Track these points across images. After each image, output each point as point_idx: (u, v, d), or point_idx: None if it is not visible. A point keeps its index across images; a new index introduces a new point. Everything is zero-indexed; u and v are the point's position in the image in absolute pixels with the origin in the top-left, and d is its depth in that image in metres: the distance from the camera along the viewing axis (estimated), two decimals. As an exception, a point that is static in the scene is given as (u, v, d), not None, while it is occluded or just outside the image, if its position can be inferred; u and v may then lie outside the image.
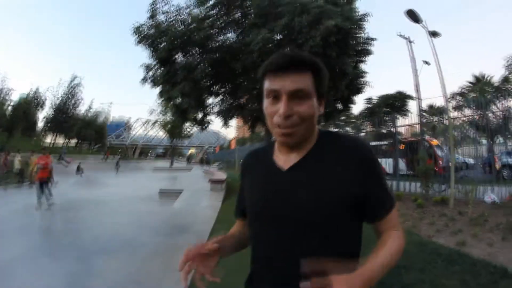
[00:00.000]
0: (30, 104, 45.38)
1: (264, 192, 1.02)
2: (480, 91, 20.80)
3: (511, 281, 3.18)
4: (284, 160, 1.02)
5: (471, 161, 9.86)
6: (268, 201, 0.99)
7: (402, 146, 11.28)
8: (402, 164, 10.61)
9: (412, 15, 8.05)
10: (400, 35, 19.45)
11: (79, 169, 22.10)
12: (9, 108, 40.37)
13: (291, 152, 1.00)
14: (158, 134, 64.30)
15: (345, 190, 0.92)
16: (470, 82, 29.02)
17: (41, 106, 51.82)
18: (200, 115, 13.40)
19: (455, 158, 10.54)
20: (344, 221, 0.93)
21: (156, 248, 5.30)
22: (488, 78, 27.66)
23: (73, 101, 54.54)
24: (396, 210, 1.00)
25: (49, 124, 53.58)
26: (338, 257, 0.85)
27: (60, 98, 53.72)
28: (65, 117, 52.68)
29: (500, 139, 10.88)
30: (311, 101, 0.92)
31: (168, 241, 5.80)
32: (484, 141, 14.07)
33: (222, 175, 13.85)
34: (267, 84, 0.95)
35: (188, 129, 43.67)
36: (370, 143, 12.78)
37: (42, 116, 53.24)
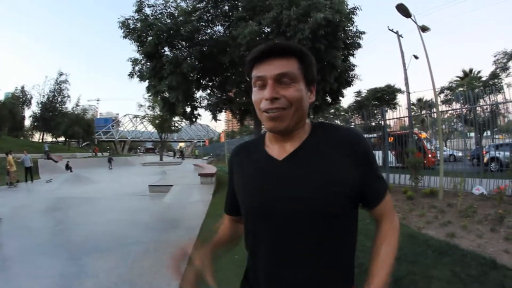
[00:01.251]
0: (16, 103, 44.82)
1: (261, 185, 0.98)
2: (468, 85, 21.07)
3: (500, 272, 3.20)
4: (277, 150, 1.00)
5: (459, 154, 9.97)
6: (267, 193, 0.95)
7: (391, 139, 11.36)
8: (391, 157, 10.68)
9: (402, 9, 8.03)
10: (390, 29, 19.61)
11: (67, 167, 21.87)
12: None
13: (284, 142, 0.99)
14: (147, 128, 64.06)
15: (343, 179, 0.92)
16: (458, 77, 29.44)
17: (27, 105, 51.31)
18: (188, 109, 13.33)
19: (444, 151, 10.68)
20: (344, 210, 0.93)
21: (147, 244, 5.23)
22: (476, 73, 28.09)
23: (59, 99, 54.01)
24: (389, 193, 1.03)
25: (36, 123, 52.99)
26: (340, 247, 0.93)
27: (46, 96, 53.20)
28: (52, 115, 52.14)
29: (487, 133, 11.02)
30: (298, 85, 0.91)
31: (159, 237, 5.72)
32: (472, 134, 14.27)
33: (212, 169, 13.77)
34: (253, 73, 0.95)
35: (177, 123, 43.54)
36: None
37: (28, 114, 52.70)
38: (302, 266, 0.91)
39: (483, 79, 23.76)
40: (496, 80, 21.95)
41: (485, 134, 11.30)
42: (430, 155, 11.17)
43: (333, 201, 0.90)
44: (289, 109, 0.90)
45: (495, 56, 23.33)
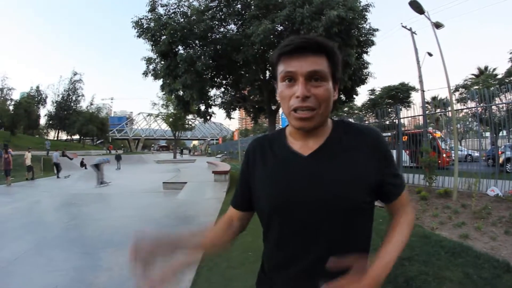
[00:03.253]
0: (31, 102, 45.83)
1: (286, 180, 0.97)
2: (484, 83, 20.68)
3: (514, 276, 3.18)
4: (301, 146, 1.00)
5: (476, 153, 9.83)
6: (293, 188, 0.95)
7: (405, 138, 11.24)
8: (405, 156, 10.57)
9: (416, 6, 7.93)
10: (404, 26, 19.37)
11: (82, 164, 22.22)
12: (11, 107, 40.67)
13: (307, 138, 0.99)
14: (161, 126, 64.56)
15: (367, 175, 0.94)
16: (473, 74, 28.91)
17: (43, 104, 52.39)
18: (202, 107, 13.41)
19: (460, 150, 10.53)
20: (365, 205, 0.95)
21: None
22: (492, 70, 27.54)
23: (74, 98, 55.03)
24: (406, 189, 1.07)
25: (51, 121, 54.02)
26: (361, 240, 0.97)
27: (61, 95, 54.25)
28: (66, 114, 53.13)
29: (503, 132, 10.81)
30: (328, 84, 0.91)
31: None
32: (487, 134, 14.02)
33: (226, 166, 13.84)
34: (282, 67, 0.93)
35: (191, 121, 43.79)
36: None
37: (43, 113, 53.79)
38: (321, 260, 0.89)
39: (499, 76, 23.29)
40: None
41: (501, 134, 11.11)
42: (444, 155, 11.02)
43: (357, 196, 0.92)
44: (318, 109, 0.90)
45: (511, 53, 22.83)
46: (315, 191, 0.92)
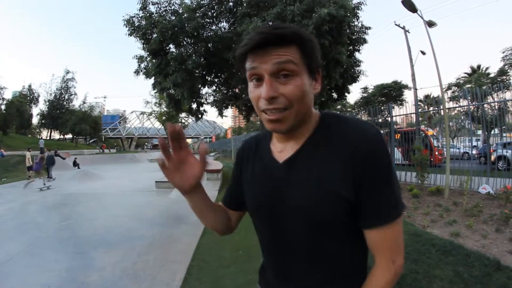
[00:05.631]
0: (23, 101, 45.49)
1: (262, 186, 0.94)
2: (476, 82, 20.85)
3: (504, 274, 3.16)
4: (281, 149, 0.92)
5: (473, 151, 9.87)
6: (266, 195, 0.91)
7: (397, 136, 11.29)
8: (397, 154, 10.63)
9: (409, 4, 7.94)
10: (397, 25, 19.44)
11: (75, 164, 22.04)
12: (3, 106, 40.33)
13: (288, 139, 0.90)
14: (154, 125, 64.40)
15: (342, 189, 0.79)
16: (466, 73, 29.13)
17: (35, 103, 52.03)
18: (194, 106, 13.37)
19: (457, 148, 10.60)
20: (341, 219, 0.82)
21: (152, 239, 5.30)
22: (484, 69, 27.78)
23: (66, 96, 54.72)
24: (398, 226, 0.82)
25: (43, 120, 53.68)
26: (343, 263, 0.87)
27: (53, 94, 53.94)
28: (59, 113, 52.82)
29: (495, 131, 10.90)
30: (300, 78, 0.79)
31: (164, 232, 5.80)
32: (479, 132, 14.13)
33: (218, 165, 13.82)
34: (247, 66, 0.82)
35: (183, 120, 43.69)
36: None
37: (36, 112, 53.43)
38: (298, 271, 0.89)
39: (491, 75, 23.48)
40: (504, 77, 21.68)
41: (492, 132, 11.19)
42: (437, 153, 11.09)
43: (326, 214, 0.81)
44: (291, 109, 0.79)
45: (503, 52, 23.03)
46: (283, 202, 0.87)
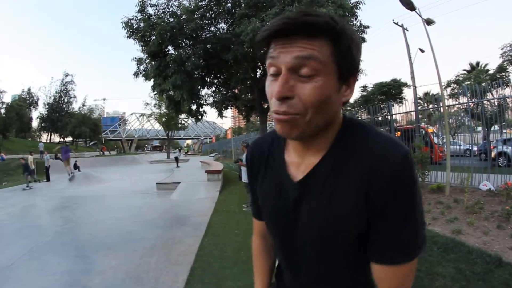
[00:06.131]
0: (23, 104, 45.56)
1: (275, 207, 0.85)
2: (475, 78, 20.83)
3: (505, 270, 3.17)
4: (297, 163, 0.81)
5: (475, 148, 9.83)
6: (277, 217, 0.85)
7: (398, 134, 11.31)
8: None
9: (406, 2, 7.93)
10: (395, 23, 19.43)
11: (75, 166, 22.05)
12: (2, 110, 40.38)
13: (304, 150, 0.79)
14: (154, 126, 64.41)
15: (354, 221, 0.71)
16: (465, 70, 29.09)
17: (34, 106, 52.14)
18: (194, 107, 13.40)
19: (458, 145, 10.59)
20: (350, 253, 0.76)
21: (153, 241, 5.30)
22: (483, 66, 27.74)
23: (66, 99, 54.85)
24: (408, 268, 0.71)
25: (43, 124, 53.77)
26: (352, 274, 0.80)
27: (52, 97, 54.06)
28: (59, 116, 52.91)
29: (495, 127, 10.90)
30: (324, 80, 0.66)
31: (166, 234, 5.80)
32: (479, 128, 14.12)
33: (219, 166, 13.84)
34: (269, 53, 0.70)
35: (183, 121, 43.68)
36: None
37: (35, 116, 53.53)
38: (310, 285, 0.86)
39: (491, 72, 23.44)
40: (503, 74, 21.65)
41: (492, 128, 11.18)
42: (438, 150, 11.09)
43: (333, 241, 0.74)
44: (305, 114, 0.67)
45: (502, 49, 22.98)
46: (295, 226, 0.80)
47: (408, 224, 0.68)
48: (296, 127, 0.68)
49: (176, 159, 25.28)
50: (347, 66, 0.69)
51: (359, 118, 0.73)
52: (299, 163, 0.80)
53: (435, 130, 13.24)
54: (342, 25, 0.67)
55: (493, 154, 9.50)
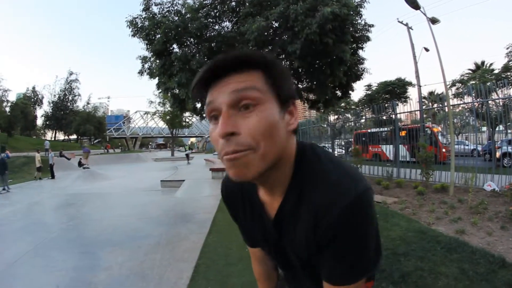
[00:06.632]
0: (27, 103, 45.85)
1: (263, 239, 0.91)
2: (480, 78, 20.70)
3: (509, 271, 3.17)
4: (269, 201, 0.83)
5: (479, 148, 9.80)
6: (270, 246, 0.91)
7: (403, 133, 11.30)
8: (404, 151, 10.62)
9: (411, 1, 7.91)
10: (400, 22, 19.37)
11: (80, 164, 22.20)
12: (7, 108, 40.69)
13: (268, 188, 0.80)
14: (158, 124, 64.60)
15: (314, 250, 0.75)
16: (470, 69, 28.93)
17: (39, 104, 52.44)
18: (198, 105, 13.41)
19: (466, 145, 10.58)
20: None
21: (158, 238, 5.34)
22: (488, 65, 27.56)
23: (70, 97, 55.12)
24: (354, 287, 0.72)
25: (47, 122, 54.07)
26: None
27: (57, 95, 54.33)
28: (63, 114, 53.19)
29: (499, 127, 10.85)
30: (266, 108, 0.65)
31: (171, 231, 5.83)
32: (484, 128, 14.05)
33: (223, 164, 13.91)
34: (206, 104, 0.69)
35: (188, 119, 43.77)
36: (370, 131, 12.82)
37: (40, 114, 53.82)
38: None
39: (496, 72, 23.28)
40: (508, 73, 21.50)
41: (497, 128, 11.13)
42: (444, 150, 11.06)
43: (313, 263, 0.78)
44: (257, 150, 0.64)
45: (507, 48, 22.83)
46: (284, 250, 0.85)
47: (351, 257, 0.70)
48: (251, 165, 0.65)
49: (187, 156, 27.72)
50: (284, 91, 0.70)
51: (314, 148, 0.71)
52: (270, 201, 0.82)
53: (441, 130, 13.21)
54: (271, 57, 0.69)
55: (498, 154, 9.47)
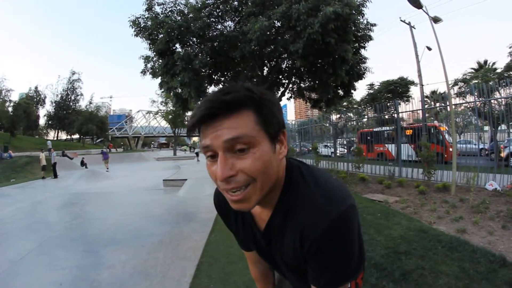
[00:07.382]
0: (30, 102, 45.97)
1: (255, 246, 1.03)
2: (483, 77, 20.63)
3: (509, 270, 3.18)
4: (259, 214, 0.92)
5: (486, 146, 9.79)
6: (261, 253, 1.03)
7: (409, 132, 11.32)
8: (410, 150, 10.61)
9: (414, 0, 7.90)
10: (402, 21, 19.32)
11: (83, 163, 22.25)
12: (10, 108, 40.82)
13: (261, 204, 0.83)
14: (160, 124, 64.69)
15: (300, 260, 0.83)
16: (473, 69, 28.82)
17: (41, 104, 52.60)
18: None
19: (473, 144, 10.55)
20: None
21: (161, 237, 5.36)
22: (491, 65, 27.45)
23: (72, 97, 55.27)
24: None
25: (50, 121, 54.21)
26: None
27: (59, 95, 54.48)
28: (65, 113, 53.31)
29: (502, 127, 10.83)
30: (259, 149, 0.70)
31: (173, 230, 5.85)
32: (486, 127, 14.01)
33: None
34: (200, 140, 0.74)
35: (190, 118, 43.90)
36: (372, 129, 12.82)
37: (43, 113, 53.98)
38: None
39: (498, 71, 23.17)
40: (511, 72, 21.42)
41: (499, 128, 11.11)
42: (450, 149, 11.04)
43: (301, 269, 0.87)
44: (254, 185, 0.72)
45: (510, 48, 22.72)
46: (274, 257, 0.96)
47: (335, 266, 0.77)
48: (250, 199, 0.74)
49: (197, 154, 28.39)
50: (274, 128, 0.74)
51: (301, 169, 0.79)
52: (260, 213, 0.92)
53: (447, 129, 13.19)
54: (260, 93, 0.73)
55: (504, 154, 9.44)
